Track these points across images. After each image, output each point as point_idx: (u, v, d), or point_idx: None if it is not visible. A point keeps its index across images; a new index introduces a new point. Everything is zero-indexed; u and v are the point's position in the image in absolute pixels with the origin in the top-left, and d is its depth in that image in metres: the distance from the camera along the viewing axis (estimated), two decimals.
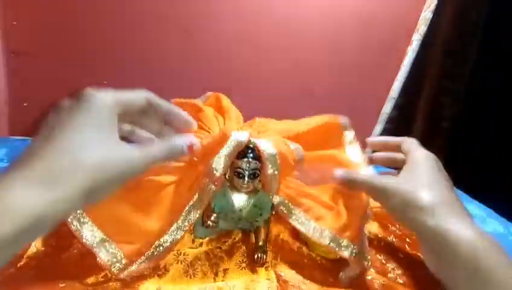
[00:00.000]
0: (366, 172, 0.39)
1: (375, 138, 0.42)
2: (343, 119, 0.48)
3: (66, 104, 0.22)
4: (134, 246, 0.32)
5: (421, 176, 0.30)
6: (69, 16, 0.61)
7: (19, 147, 0.57)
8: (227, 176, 0.36)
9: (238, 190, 0.35)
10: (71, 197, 0.18)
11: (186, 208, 0.33)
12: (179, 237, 0.32)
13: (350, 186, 0.34)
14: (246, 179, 0.34)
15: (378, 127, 0.84)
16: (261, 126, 0.45)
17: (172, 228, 0.32)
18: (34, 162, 0.18)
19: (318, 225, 0.35)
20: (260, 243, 0.37)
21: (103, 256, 0.31)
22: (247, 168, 0.33)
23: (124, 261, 0.31)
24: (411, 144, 0.36)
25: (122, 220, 0.32)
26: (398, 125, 0.89)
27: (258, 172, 0.34)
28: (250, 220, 0.37)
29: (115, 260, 0.31)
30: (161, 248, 0.32)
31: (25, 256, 0.34)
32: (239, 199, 0.35)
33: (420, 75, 0.84)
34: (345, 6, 0.71)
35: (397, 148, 0.39)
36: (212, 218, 0.34)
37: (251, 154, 0.34)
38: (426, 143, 1.00)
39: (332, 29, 0.72)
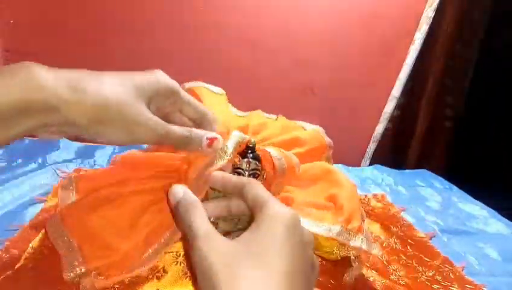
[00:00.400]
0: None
1: (216, 174, 0.25)
2: (328, 140, 0.51)
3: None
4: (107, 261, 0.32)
5: (255, 254, 0.18)
6: (66, 15, 0.60)
7: (16, 147, 0.56)
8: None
9: None
10: (61, 115, 0.20)
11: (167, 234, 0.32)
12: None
13: (177, 218, 0.22)
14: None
15: (380, 127, 0.83)
16: (254, 129, 0.45)
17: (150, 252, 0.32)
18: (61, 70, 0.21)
19: (324, 223, 0.35)
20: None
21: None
22: (247, 168, 0.33)
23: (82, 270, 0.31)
24: (262, 196, 0.21)
25: (100, 237, 0.32)
26: (400, 124, 0.88)
27: (257, 172, 0.34)
28: (249, 221, 0.36)
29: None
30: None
31: (22, 258, 0.34)
32: None
33: (422, 74, 0.83)
34: (347, 6, 0.70)
35: (238, 192, 0.24)
36: (212, 219, 0.33)
37: (251, 155, 0.34)
38: (428, 142, 1.00)
39: (333, 28, 0.72)
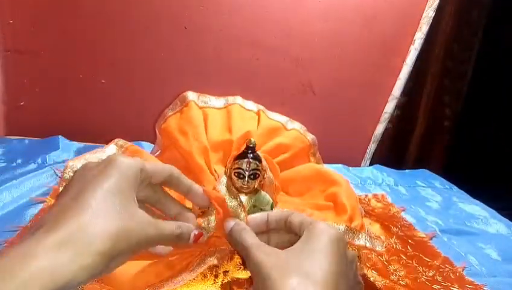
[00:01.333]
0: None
1: (254, 217, 0.29)
2: (310, 137, 0.52)
3: (93, 165, 0.23)
4: None
5: (305, 261, 0.22)
6: (66, 15, 0.60)
7: (16, 147, 0.56)
8: (227, 177, 0.35)
9: (238, 190, 0.35)
10: (96, 265, 0.19)
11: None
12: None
13: (234, 244, 0.27)
14: (247, 179, 0.33)
15: (380, 127, 0.83)
16: (239, 143, 0.46)
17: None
18: (67, 223, 0.19)
19: (328, 223, 0.35)
20: None
21: None
22: (247, 168, 0.33)
23: None
24: (309, 219, 0.25)
25: None
26: (400, 124, 0.88)
27: (258, 172, 0.34)
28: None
29: None
30: None
31: None
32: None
33: (422, 74, 0.83)
34: (347, 5, 0.70)
35: (282, 222, 0.27)
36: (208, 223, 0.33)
37: (251, 155, 0.34)
38: (428, 142, 1.00)
39: (333, 28, 0.71)
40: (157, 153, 0.50)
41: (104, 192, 0.21)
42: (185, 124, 0.45)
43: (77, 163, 0.37)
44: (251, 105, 0.52)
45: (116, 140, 0.43)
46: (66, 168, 0.39)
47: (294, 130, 0.51)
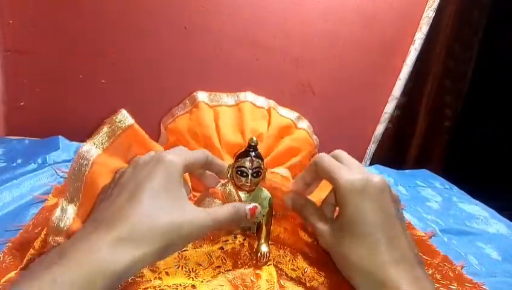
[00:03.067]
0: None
1: (292, 184, 0.35)
2: (315, 139, 0.54)
3: (141, 161, 0.26)
4: None
5: (376, 242, 0.24)
6: (66, 14, 0.60)
7: (16, 147, 0.56)
8: (228, 175, 0.35)
9: (240, 188, 0.35)
10: (150, 256, 0.21)
11: None
12: None
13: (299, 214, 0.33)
14: (250, 177, 0.33)
15: (380, 127, 0.83)
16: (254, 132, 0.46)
17: None
18: (118, 224, 0.21)
19: None
20: (262, 240, 0.37)
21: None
22: (250, 167, 0.33)
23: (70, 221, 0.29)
24: (329, 168, 0.29)
25: None
26: (400, 124, 0.88)
27: (260, 170, 0.34)
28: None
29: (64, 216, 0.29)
30: None
31: (25, 259, 0.33)
32: (241, 196, 0.35)
33: (422, 74, 0.83)
34: (347, 6, 0.70)
35: (314, 174, 0.32)
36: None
37: (253, 153, 0.34)
38: (428, 142, 1.00)
39: (333, 28, 0.72)
40: None
41: (154, 192, 0.23)
42: (195, 126, 0.45)
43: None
44: (262, 101, 0.52)
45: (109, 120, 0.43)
46: (118, 113, 0.38)
47: (303, 130, 0.51)
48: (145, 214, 0.22)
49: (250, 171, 0.33)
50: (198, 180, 0.34)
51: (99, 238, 0.20)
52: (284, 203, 0.34)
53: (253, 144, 0.34)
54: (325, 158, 0.30)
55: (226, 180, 0.36)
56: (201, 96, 0.50)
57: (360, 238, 0.25)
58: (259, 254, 0.36)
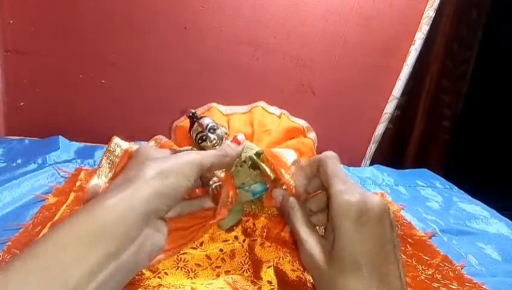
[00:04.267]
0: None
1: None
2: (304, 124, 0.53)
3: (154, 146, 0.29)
4: None
5: (349, 255, 0.23)
6: (66, 15, 0.60)
7: (16, 147, 0.56)
8: (195, 149, 0.33)
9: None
10: (146, 196, 0.22)
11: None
12: None
13: (283, 214, 0.29)
14: (209, 135, 0.32)
15: (381, 127, 0.83)
16: (261, 125, 0.46)
17: None
18: (123, 182, 0.23)
19: None
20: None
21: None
22: (201, 129, 0.32)
23: None
24: (330, 175, 0.26)
25: None
26: (400, 125, 0.89)
27: (214, 125, 0.32)
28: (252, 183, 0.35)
29: None
30: None
31: None
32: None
33: (422, 74, 0.84)
34: (347, 6, 0.70)
35: (314, 170, 0.29)
36: (214, 185, 0.33)
37: (195, 119, 0.33)
38: (428, 142, 1.00)
39: (334, 28, 0.72)
40: None
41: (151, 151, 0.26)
42: None
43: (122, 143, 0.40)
44: (274, 109, 0.52)
45: (155, 137, 0.45)
46: (111, 142, 0.42)
47: (310, 140, 0.51)
48: (140, 163, 0.24)
49: (206, 131, 0.32)
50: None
51: (113, 190, 0.22)
52: (272, 197, 0.30)
53: (191, 114, 0.33)
54: (329, 162, 0.27)
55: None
56: (216, 105, 0.51)
57: (349, 267, 0.22)
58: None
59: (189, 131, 0.33)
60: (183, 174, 0.24)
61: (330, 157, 0.27)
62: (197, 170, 0.25)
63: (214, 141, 0.32)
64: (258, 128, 0.47)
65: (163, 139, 0.44)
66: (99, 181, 0.38)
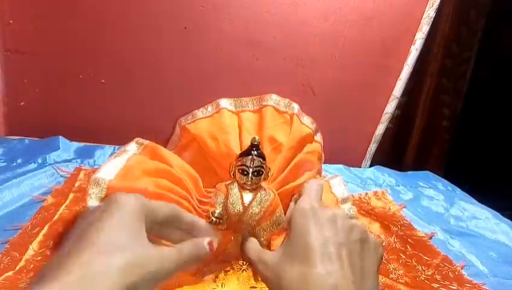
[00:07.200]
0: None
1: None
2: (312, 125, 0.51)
3: (94, 208, 0.23)
4: None
5: (289, 248, 0.23)
6: (66, 15, 0.60)
7: (16, 147, 0.56)
8: (231, 174, 0.35)
9: (242, 187, 0.35)
10: None
11: None
12: None
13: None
14: (250, 176, 0.33)
15: (381, 127, 0.83)
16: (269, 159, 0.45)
17: None
18: (69, 267, 0.17)
19: None
20: (264, 243, 0.37)
21: None
22: (251, 165, 0.33)
23: None
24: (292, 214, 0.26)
25: None
26: (400, 125, 0.89)
27: (262, 169, 0.34)
28: (255, 217, 0.36)
29: None
30: None
31: (23, 259, 0.33)
32: (244, 197, 0.35)
33: (421, 74, 0.83)
34: (348, 6, 0.70)
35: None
36: (216, 214, 0.33)
37: (255, 152, 0.34)
38: (427, 142, 1.00)
39: (334, 28, 0.72)
40: (172, 151, 0.50)
41: (108, 230, 0.20)
42: (215, 131, 0.45)
43: (101, 174, 0.36)
44: (286, 105, 0.50)
45: (136, 139, 0.44)
46: (92, 185, 0.34)
47: (317, 144, 0.51)
48: (97, 254, 0.18)
49: (251, 169, 0.33)
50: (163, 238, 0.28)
51: (51, 285, 0.16)
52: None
53: (255, 143, 0.34)
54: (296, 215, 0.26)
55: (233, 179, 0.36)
56: (224, 103, 0.49)
57: (300, 254, 0.22)
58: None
59: (241, 154, 0.34)
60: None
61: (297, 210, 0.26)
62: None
63: (249, 183, 0.34)
64: (268, 145, 0.46)
65: (145, 141, 0.44)
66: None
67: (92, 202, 0.34)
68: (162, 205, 0.25)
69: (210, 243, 0.26)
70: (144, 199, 0.23)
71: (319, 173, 0.53)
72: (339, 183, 0.44)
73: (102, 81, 0.66)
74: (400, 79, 0.78)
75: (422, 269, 0.42)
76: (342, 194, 0.42)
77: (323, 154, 0.52)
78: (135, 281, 0.18)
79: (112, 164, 0.37)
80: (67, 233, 0.21)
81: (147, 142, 0.44)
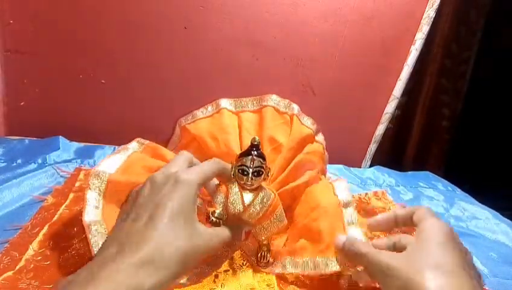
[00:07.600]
0: (355, 232, 0.36)
1: (381, 217, 0.36)
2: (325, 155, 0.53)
3: (157, 181, 0.27)
4: None
5: (430, 255, 0.26)
6: (66, 14, 0.60)
7: (16, 147, 0.56)
8: (232, 174, 0.35)
9: (242, 187, 0.35)
10: (170, 278, 0.23)
11: None
12: None
13: (349, 256, 0.32)
14: (250, 176, 0.33)
15: (381, 127, 0.83)
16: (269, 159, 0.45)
17: None
18: (140, 247, 0.22)
19: (313, 259, 0.35)
20: (264, 242, 0.37)
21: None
22: (251, 165, 0.33)
23: None
24: (423, 213, 0.31)
25: None
26: (401, 125, 0.89)
27: (262, 170, 0.34)
28: (255, 217, 0.36)
29: None
30: None
31: (23, 258, 0.33)
32: (245, 197, 0.35)
33: (421, 74, 0.84)
34: (348, 6, 0.70)
35: (409, 220, 0.33)
36: (216, 214, 0.33)
37: (255, 153, 0.34)
38: (427, 142, 1.00)
39: (334, 28, 0.72)
40: (173, 151, 0.50)
41: (171, 216, 0.24)
42: (216, 131, 0.45)
43: (102, 167, 0.36)
44: (286, 106, 0.50)
45: (136, 139, 0.44)
46: (93, 177, 0.34)
47: (318, 145, 0.50)
48: (164, 240, 0.23)
49: (251, 170, 0.33)
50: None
51: (123, 261, 0.21)
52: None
53: (255, 143, 0.34)
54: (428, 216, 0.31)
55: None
56: (225, 103, 0.49)
57: (430, 266, 0.26)
58: (258, 255, 0.36)
59: (241, 154, 0.34)
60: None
61: (425, 213, 0.31)
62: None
63: (249, 183, 0.34)
64: (268, 146, 0.46)
65: (146, 141, 0.44)
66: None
67: (91, 193, 0.33)
68: (211, 167, 0.30)
69: (247, 233, 0.34)
70: (200, 172, 0.28)
71: (323, 173, 0.53)
72: (344, 188, 0.43)
73: (103, 81, 0.66)
74: (399, 79, 0.78)
75: None
76: (345, 198, 0.42)
77: (326, 155, 0.52)
78: (190, 263, 0.24)
79: (113, 159, 0.37)
80: (134, 198, 0.27)
81: (147, 142, 0.44)
